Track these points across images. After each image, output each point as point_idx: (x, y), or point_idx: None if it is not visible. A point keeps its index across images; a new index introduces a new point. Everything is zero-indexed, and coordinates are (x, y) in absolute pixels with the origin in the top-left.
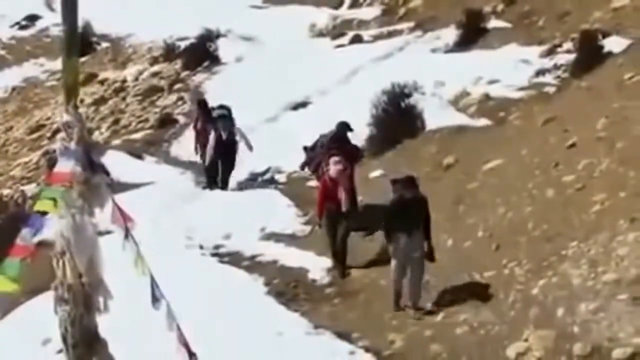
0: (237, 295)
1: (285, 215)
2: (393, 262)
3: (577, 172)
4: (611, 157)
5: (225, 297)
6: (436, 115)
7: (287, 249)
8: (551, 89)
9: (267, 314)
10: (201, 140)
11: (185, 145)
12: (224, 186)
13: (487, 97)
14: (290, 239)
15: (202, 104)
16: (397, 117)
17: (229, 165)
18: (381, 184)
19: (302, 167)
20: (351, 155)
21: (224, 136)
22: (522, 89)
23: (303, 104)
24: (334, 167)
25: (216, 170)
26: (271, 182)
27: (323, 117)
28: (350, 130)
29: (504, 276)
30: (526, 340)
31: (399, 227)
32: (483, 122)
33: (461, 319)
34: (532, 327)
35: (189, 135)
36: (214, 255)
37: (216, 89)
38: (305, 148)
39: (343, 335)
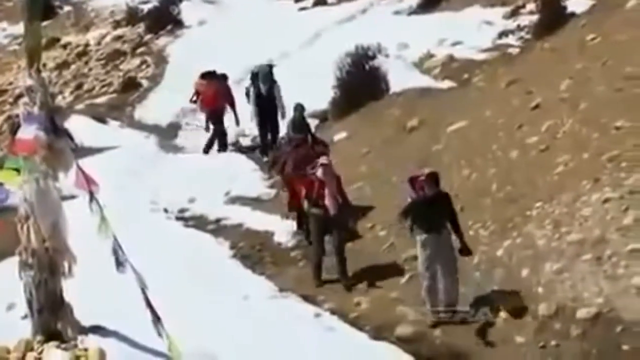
0: (202, 259)
1: (250, 179)
2: (421, 267)
3: (540, 133)
4: (574, 118)
5: (190, 261)
6: (400, 77)
7: (252, 212)
8: (514, 51)
9: (232, 277)
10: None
11: (149, 109)
12: (265, 150)
13: (450, 58)
14: (256, 203)
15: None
16: (361, 79)
17: (274, 125)
18: (345, 147)
19: (269, 170)
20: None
21: (263, 91)
22: (485, 50)
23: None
24: (321, 167)
25: (265, 132)
26: (236, 145)
27: (286, 80)
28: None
29: (469, 237)
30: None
31: (425, 227)
32: (447, 84)
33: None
34: (496, 287)
35: (153, 98)
36: (178, 219)
37: (179, 52)
38: (266, 147)
39: (309, 298)
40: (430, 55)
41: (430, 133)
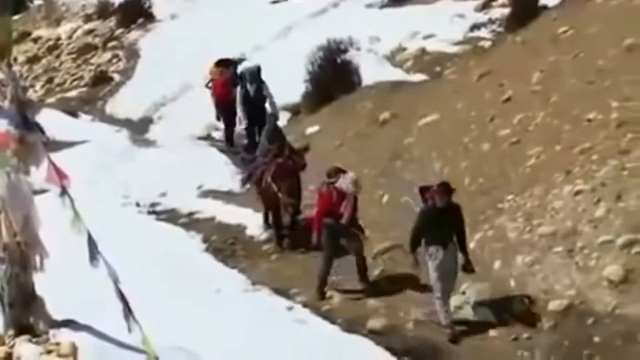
0: (174, 253)
1: (223, 172)
2: (434, 281)
3: (512, 126)
4: (546, 111)
5: (162, 255)
6: (372, 70)
7: (224, 205)
8: (486, 44)
9: (204, 271)
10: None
11: (121, 103)
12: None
13: (422, 52)
14: (228, 196)
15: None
16: (333, 73)
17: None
18: (317, 140)
19: (243, 183)
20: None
21: (251, 92)
22: (457, 43)
23: (238, 61)
24: (348, 181)
25: (252, 132)
26: (208, 139)
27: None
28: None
29: None
30: (464, 293)
31: (434, 239)
32: (419, 77)
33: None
34: (470, 280)
35: (125, 92)
36: (150, 213)
37: (151, 46)
38: (244, 159)
39: (281, 291)
40: (402, 49)
41: (402, 126)
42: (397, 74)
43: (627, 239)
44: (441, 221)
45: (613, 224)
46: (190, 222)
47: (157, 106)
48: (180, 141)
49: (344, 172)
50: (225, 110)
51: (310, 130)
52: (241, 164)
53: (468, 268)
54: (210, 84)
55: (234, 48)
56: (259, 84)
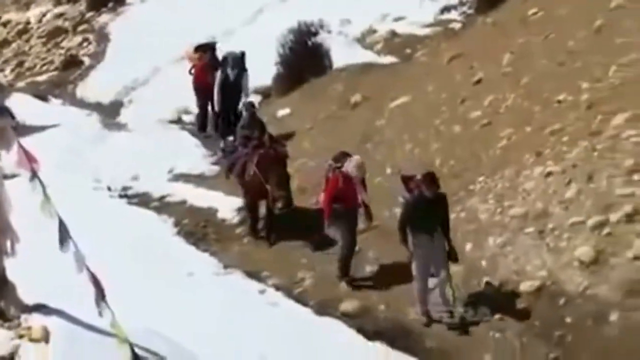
0: (146, 237)
1: (194, 156)
2: (415, 268)
3: (483, 107)
4: (517, 93)
5: (134, 239)
6: (343, 53)
7: (196, 189)
8: (457, 26)
9: (176, 254)
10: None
11: (91, 87)
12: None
13: (393, 34)
14: (199, 179)
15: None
16: (304, 55)
17: (235, 113)
18: (288, 123)
19: (227, 175)
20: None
21: (230, 77)
22: (428, 25)
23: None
24: (353, 165)
25: (226, 117)
26: (179, 123)
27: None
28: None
29: None
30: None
31: (420, 228)
32: (390, 59)
33: (371, 255)
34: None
35: (95, 76)
36: (122, 197)
37: (121, 30)
38: (223, 150)
39: (253, 274)
40: (372, 31)
41: (373, 108)
42: (368, 56)
43: (597, 220)
44: (428, 211)
45: (584, 205)
46: (161, 205)
47: (128, 90)
48: (151, 125)
49: (349, 155)
50: (202, 95)
51: (281, 113)
52: (221, 155)
53: (452, 256)
54: (192, 71)
55: (205, 31)
56: (241, 70)
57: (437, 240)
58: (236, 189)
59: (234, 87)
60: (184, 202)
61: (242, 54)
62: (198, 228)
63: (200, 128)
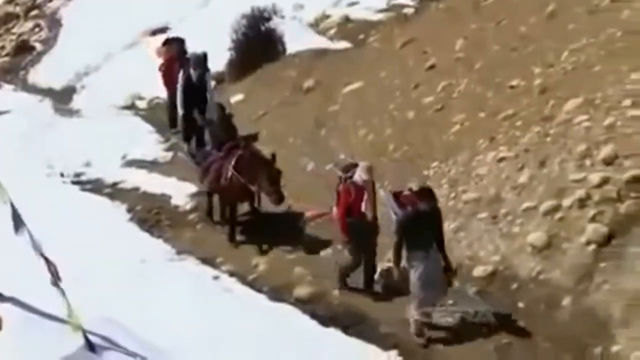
0: (99, 223)
1: (147, 142)
2: (417, 287)
3: (436, 93)
4: (470, 78)
5: (87, 225)
6: (296, 38)
7: (149, 175)
8: (410, 11)
9: (130, 240)
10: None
11: (43, 73)
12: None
13: (346, 19)
14: (153, 166)
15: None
16: (257, 41)
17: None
18: (242, 109)
19: (201, 180)
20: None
21: (193, 78)
22: (381, 11)
23: (162, 30)
24: (360, 171)
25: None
26: (132, 109)
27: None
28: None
29: None
30: (389, 260)
31: (416, 245)
32: (343, 44)
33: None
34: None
35: (47, 62)
36: (75, 183)
37: (73, 15)
38: (194, 156)
39: (207, 261)
40: (325, 16)
41: (326, 94)
42: (321, 42)
43: (550, 205)
44: (424, 226)
45: (536, 190)
46: (114, 192)
47: (80, 76)
48: (103, 111)
49: (356, 165)
50: (172, 89)
51: (235, 99)
52: (190, 159)
53: (448, 269)
54: (162, 67)
55: (158, 17)
56: (204, 70)
57: (432, 255)
58: (190, 175)
59: (198, 89)
60: (137, 189)
61: (204, 54)
62: (151, 214)
63: (171, 124)
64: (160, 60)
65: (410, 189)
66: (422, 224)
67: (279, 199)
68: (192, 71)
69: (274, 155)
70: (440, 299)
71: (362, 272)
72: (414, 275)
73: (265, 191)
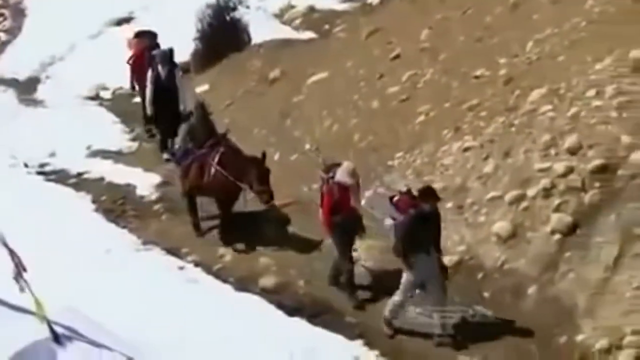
0: (64, 213)
1: (112, 132)
2: (406, 285)
3: (401, 83)
4: (435, 68)
5: (52, 215)
6: (261, 28)
7: (114, 165)
8: (375, 1)
9: (95, 231)
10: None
11: (7, 63)
12: (164, 147)
13: (311, 9)
14: (117, 156)
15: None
16: (222, 31)
17: (175, 114)
18: (207, 99)
19: (182, 181)
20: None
21: (162, 75)
22: (346, 0)
23: (126, 19)
24: (344, 172)
25: (164, 122)
26: (96, 99)
27: None
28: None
29: None
30: (355, 250)
31: (419, 247)
32: (308, 35)
33: (290, 231)
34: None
35: (11, 52)
36: (39, 173)
37: (37, 5)
38: (174, 154)
39: (172, 251)
40: (291, 6)
41: (291, 84)
42: (287, 32)
43: (514, 195)
44: (426, 227)
45: (501, 180)
46: (79, 182)
47: (45, 66)
48: (68, 101)
49: (338, 165)
50: (143, 84)
51: (200, 89)
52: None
53: (443, 270)
54: (131, 60)
55: (122, 7)
56: (171, 67)
57: (433, 258)
58: (155, 166)
59: (168, 86)
60: (102, 179)
61: (170, 50)
62: (116, 205)
63: (145, 118)
64: (130, 53)
65: (407, 192)
66: (425, 225)
67: (269, 198)
68: (160, 68)
69: (264, 154)
70: (442, 300)
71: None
72: (411, 276)
73: (255, 190)
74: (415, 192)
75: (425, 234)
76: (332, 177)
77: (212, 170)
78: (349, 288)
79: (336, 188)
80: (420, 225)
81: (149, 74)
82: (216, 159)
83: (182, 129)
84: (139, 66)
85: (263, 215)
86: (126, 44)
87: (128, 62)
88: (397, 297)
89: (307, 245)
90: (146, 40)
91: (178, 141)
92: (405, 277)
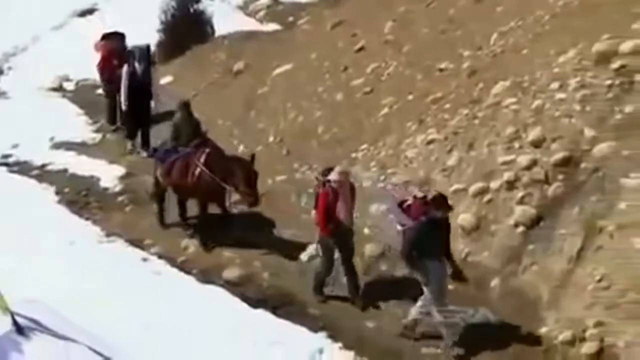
0: (27, 205)
1: (75, 124)
2: (435, 292)
3: (365, 75)
4: (399, 61)
5: (15, 207)
6: (225, 20)
7: (77, 157)
8: None
9: (59, 223)
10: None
11: None
12: (145, 146)
13: (276, 1)
14: (81, 148)
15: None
16: (187, 22)
17: (146, 111)
18: (172, 91)
19: (165, 179)
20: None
21: (138, 72)
22: None
23: (89, 11)
24: (334, 175)
25: (135, 118)
26: (60, 91)
27: (111, 23)
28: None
29: (296, 181)
30: (319, 242)
31: (431, 253)
32: (272, 27)
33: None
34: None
35: None
36: (2, 164)
37: None
38: (155, 150)
39: (136, 243)
40: None
41: (256, 76)
42: (251, 24)
43: (478, 188)
44: (435, 235)
45: (465, 172)
46: (43, 174)
47: (7, 57)
48: (31, 92)
49: (332, 169)
50: (109, 84)
51: (165, 80)
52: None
53: (461, 276)
54: (100, 63)
55: None
56: (148, 64)
57: (443, 265)
58: (118, 158)
59: (143, 83)
60: (65, 171)
61: (148, 47)
62: (80, 196)
63: (109, 120)
64: (98, 55)
65: (415, 197)
66: (436, 232)
67: (255, 201)
68: (136, 65)
69: (253, 156)
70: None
71: (345, 280)
72: (428, 283)
73: (241, 192)
74: (428, 198)
75: (435, 241)
76: (329, 180)
77: (197, 170)
78: (318, 288)
79: (331, 191)
80: (430, 232)
81: (125, 69)
82: (202, 159)
83: (167, 127)
84: (106, 68)
85: (247, 218)
86: (93, 46)
87: (98, 65)
88: (434, 309)
89: (295, 249)
90: (113, 42)
91: (166, 138)
92: (430, 281)
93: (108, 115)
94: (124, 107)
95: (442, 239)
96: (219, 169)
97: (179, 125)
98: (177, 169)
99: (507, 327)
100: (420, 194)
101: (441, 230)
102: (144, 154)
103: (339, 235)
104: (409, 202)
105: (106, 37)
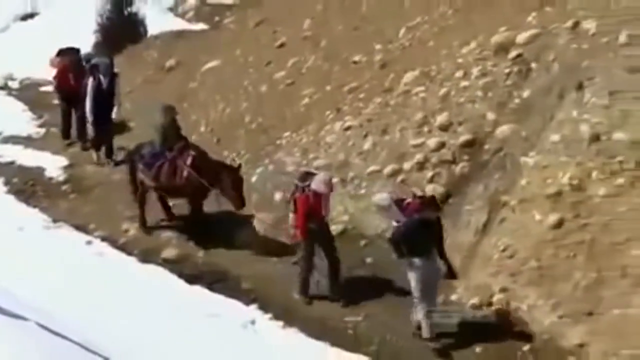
0: None
1: (21, 119)
2: (416, 289)
3: (287, 69)
4: (317, 55)
5: None
6: (157, 21)
7: (24, 150)
8: None
9: (8, 210)
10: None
11: None
12: (110, 154)
13: (203, 3)
14: (27, 141)
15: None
16: (121, 24)
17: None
18: None
19: (155, 183)
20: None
21: (104, 84)
22: None
23: (31, 15)
24: (320, 182)
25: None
26: (5, 89)
27: (50, 26)
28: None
29: None
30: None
31: (418, 250)
32: (200, 26)
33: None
34: (254, 211)
35: None
36: None
37: None
38: (132, 152)
39: (80, 227)
40: (184, 0)
41: (186, 72)
42: (180, 24)
43: (392, 169)
44: (425, 233)
45: (380, 155)
46: None
47: None
48: None
49: (313, 174)
50: (65, 99)
51: None
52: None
53: (453, 275)
54: (56, 78)
55: (26, 3)
56: (112, 76)
57: (434, 263)
58: (61, 150)
59: (107, 95)
60: (13, 163)
61: (112, 60)
62: (27, 186)
63: (63, 134)
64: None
65: (414, 195)
66: (425, 230)
67: (241, 204)
68: (102, 78)
69: (239, 165)
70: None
71: (325, 277)
72: (414, 278)
73: (228, 195)
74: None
75: (424, 238)
76: (308, 186)
77: (185, 172)
78: (302, 288)
79: (311, 195)
80: (420, 229)
81: (90, 82)
82: (189, 162)
83: (153, 131)
84: (62, 83)
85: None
86: (49, 62)
87: (54, 79)
88: (418, 306)
89: (279, 249)
90: (67, 58)
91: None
92: (411, 280)
93: (63, 130)
94: (89, 119)
95: (432, 239)
96: (205, 172)
97: (165, 129)
98: (166, 172)
99: None
100: (419, 193)
101: (431, 230)
102: (111, 164)
103: (317, 232)
104: (408, 200)
105: (62, 52)
